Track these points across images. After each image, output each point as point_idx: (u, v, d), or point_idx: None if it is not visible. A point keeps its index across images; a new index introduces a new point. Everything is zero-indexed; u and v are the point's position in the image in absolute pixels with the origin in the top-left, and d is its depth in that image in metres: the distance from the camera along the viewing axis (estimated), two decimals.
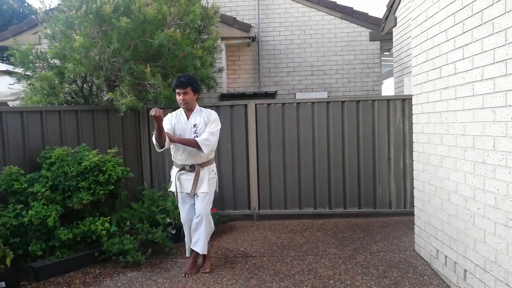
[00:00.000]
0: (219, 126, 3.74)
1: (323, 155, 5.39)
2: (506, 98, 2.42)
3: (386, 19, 7.51)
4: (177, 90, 3.59)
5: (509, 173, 2.42)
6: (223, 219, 5.42)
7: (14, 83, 5.36)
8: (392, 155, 5.33)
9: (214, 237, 4.78)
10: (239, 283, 3.49)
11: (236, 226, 5.29)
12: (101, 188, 4.09)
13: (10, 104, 6.60)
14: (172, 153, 3.77)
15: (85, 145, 4.51)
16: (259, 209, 5.49)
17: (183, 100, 3.58)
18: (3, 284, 3.41)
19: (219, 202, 5.42)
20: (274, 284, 3.45)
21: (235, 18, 7.87)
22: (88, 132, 4.89)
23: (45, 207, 3.82)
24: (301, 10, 8.66)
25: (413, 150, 4.03)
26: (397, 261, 3.87)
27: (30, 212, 3.71)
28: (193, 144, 3.57)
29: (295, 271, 3.71)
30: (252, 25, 8.01)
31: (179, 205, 3.82)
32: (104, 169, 4.16)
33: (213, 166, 3.87)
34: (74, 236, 3.87)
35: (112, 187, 4.20)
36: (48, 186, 3.96)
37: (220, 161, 5.46)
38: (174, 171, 3.78)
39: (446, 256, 3.34)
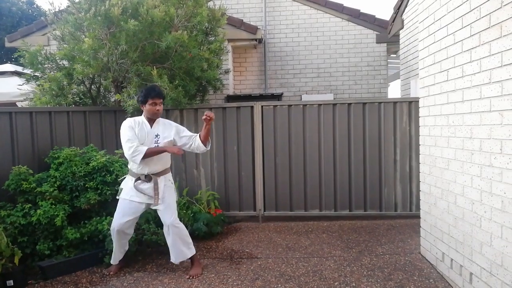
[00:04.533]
0: None
1: (329, 157, 5.39)
2: None
3: (393, 21, 7.50)
4: (154, 100, 3.55)
5: None
6: (229, 220, 5.44)
7: (23, 84, 5.43)
8: (398, 158, 5.32)
9: (219, 238, 4.81)
10: (245, 284, 3.50)
11: (241, 227, 5.30)
12: (108, 188, 4.13)
13: (19, 104, 6.67)
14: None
15: (93, 146, 4.56)
16: (264, 210, 5.50)
17: (158, 110, 3.60)
18: (11, 282, 3.45)
19: (224, 203, 5.46)
20: (280, 285, 3.45)
21: (242, 20, 7.90)
22: (96, 132, 4.94)
23: (53, 206, 3.86)
24: (308, 12, 8.68)
25: (420, 152, 4.02)
26: (403, 264, 3.86)
27: (38, 211, 3.76)
28: (203, 148, 3.71)
29: (300, 272, 3.72)
30: (259, 27, 8.03)
31: (119, 213, 3.66)
32: (111, 169, 4.21)
33: (169, 176, 3.81)
34: (81, 235, 3.90)
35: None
36: (56, 186, 4.00)
37: (226, 163, 5.49)
38: (130, 180, 3.66)
39: (452, 259, 3.32)
